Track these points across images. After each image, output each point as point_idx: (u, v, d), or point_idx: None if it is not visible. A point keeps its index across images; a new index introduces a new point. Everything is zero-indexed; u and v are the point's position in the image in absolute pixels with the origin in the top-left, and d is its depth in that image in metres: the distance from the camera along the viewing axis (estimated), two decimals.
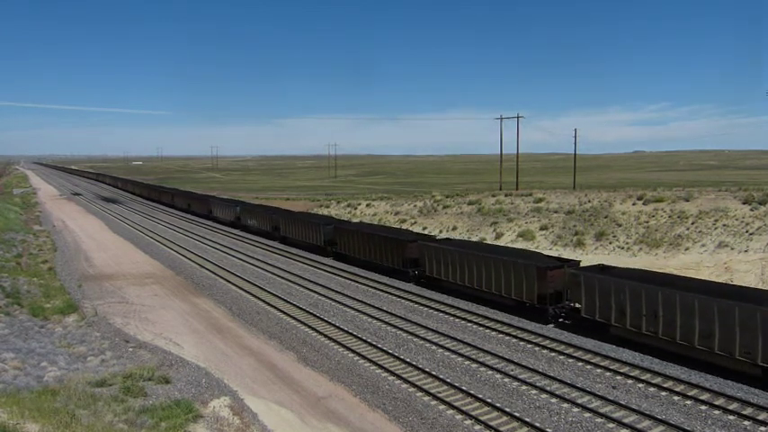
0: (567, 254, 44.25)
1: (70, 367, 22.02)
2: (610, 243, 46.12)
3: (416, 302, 33.30)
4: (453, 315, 30.71)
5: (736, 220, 42.24)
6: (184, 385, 21.05)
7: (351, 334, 27.52)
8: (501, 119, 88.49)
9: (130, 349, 25.53)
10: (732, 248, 39.66)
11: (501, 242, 51.06)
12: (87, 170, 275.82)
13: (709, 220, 43.51)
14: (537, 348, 25.24)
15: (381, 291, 36.41)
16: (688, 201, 47.95)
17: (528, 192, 66.35)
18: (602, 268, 28.04)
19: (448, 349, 25.19)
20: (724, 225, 42.24)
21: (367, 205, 74.33)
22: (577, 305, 27.30)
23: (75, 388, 18.71)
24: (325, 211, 73.51)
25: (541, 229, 51.92)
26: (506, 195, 64.04)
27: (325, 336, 27.40)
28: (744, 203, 44.25)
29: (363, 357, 24.42)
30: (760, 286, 33.55)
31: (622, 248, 44.86)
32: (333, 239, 47.58)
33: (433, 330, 27.93)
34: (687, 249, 41.72)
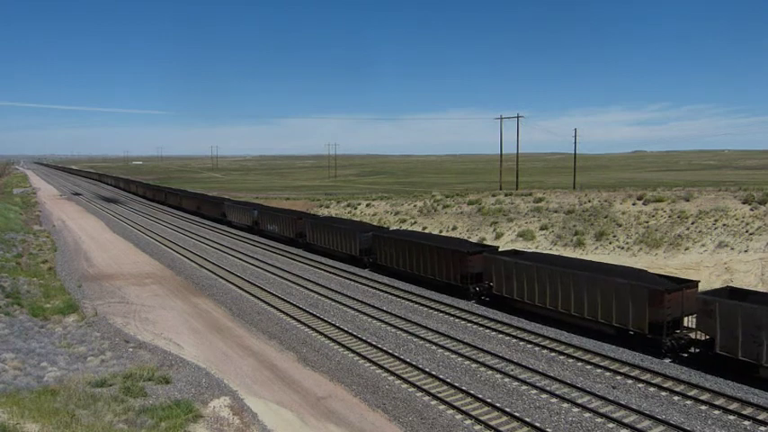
0: (567, 253, 44.27)
1: (70, 367, 22.03)
2: (610, 243, 46.14)
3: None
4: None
5: (736, 220, 42.24)
6: (184, 385, 21.05)
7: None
8: (501, 119, 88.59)
9: (130, 349, 25.53)
10: (732, 248, 39.66)
11: (501, 242, 51.06)
12: (88, 170, 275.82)
13: (710, 220, 43.51)
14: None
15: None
16: (688, 201, 47.96)
17: (528, 191, 66.36)
18: (734, 292, 23.55)
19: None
20: (724, 225, 42.24)
21: (367, 205, 74.35)
22: (706, 337, 22.86)
23: (76, 388, 18.73)
24: (325, 211, 73.49)
25: (541, 228, 51.94)
26: (506, 195, 64.04)
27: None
28: (744, 203, 44.26)
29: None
30: (760, 287, 33.58)
31: (622, 248, 44.87)
32: (370, 249, 42.61)
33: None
34: (687, 249, 41.73)
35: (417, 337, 27.19)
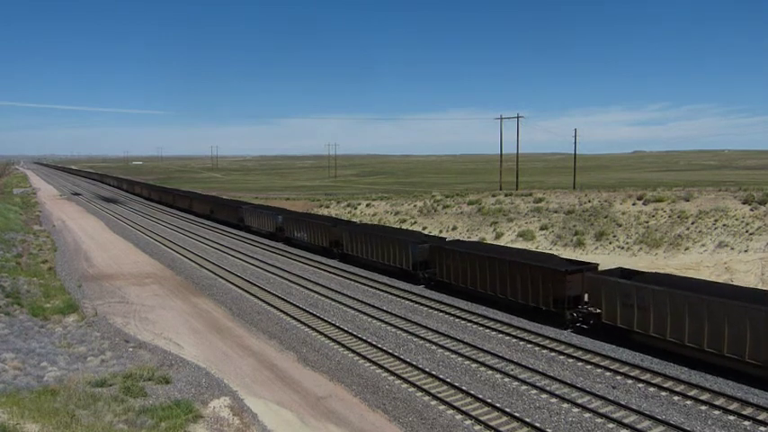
0: (567, 254, 44.26)
1: (70, 367, 22.03)
2: (610, 243, 46.16)
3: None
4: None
5: (736, 220, 42.27)
6: (184, 385, 21.05)
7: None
8: (501, 119, 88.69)
9: (130, 349, 25.54)
10: (732, 248, 39.70)
11: (501, 242, 51.08)
12: (88, 170, 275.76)
13: (710, 220, 43.54)
14: (537, 348, 24.71)
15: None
16: (688, 201, 47.99)
17: (528, 192, 66.43)
18: None
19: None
20: (724, 225, 42.27)
21: (367, 205, 74.40)
22: None
23: (75, 388, 18.73)
24: (325, 211, 73.55)
25: (541, 229, 51.97)
26: (506, 195, 64.09)
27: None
28: (744, 203, 44.30)
29: None
30: (760, 286, 33.59)
31: (622, 248, 44.90)
32: (426, 262, 37.12)
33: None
34: (687, 249, 41.75)
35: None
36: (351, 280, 39.35)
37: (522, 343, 25.77)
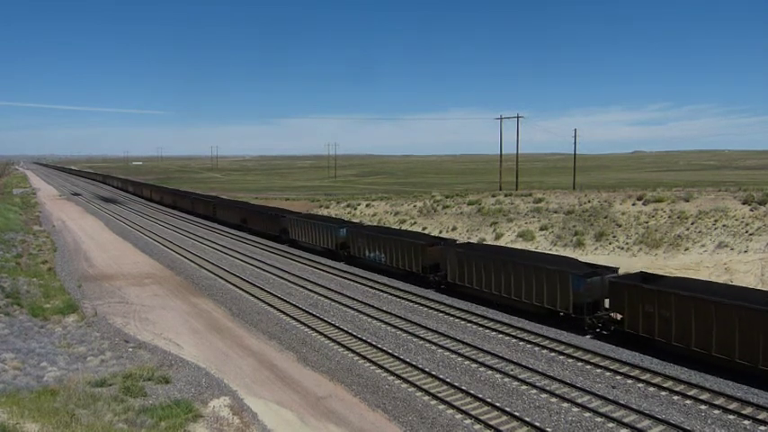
0: (567, 254, 44.26)
1: (70, 367, 22.04)
2: (609, 243, 46.16)
3: None
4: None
5: (736, 220, 42.27)
6: (184, 385, 21.06)
7: None
8: (501, 119, 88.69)
9: (130, 349, 25.54)
10: (732, 249, 39.69)
11: (500, 242, 51.08)
12: (89, 170, 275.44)
13: (709, 220, 43.54)
14: (537, 349, 24.78)
15: None
16: (688, 201, 47.98)
17: (528, 192, 66.42)
18: None
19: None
20: (724, 225, 42.27)
21: (367, 205, 74.39)
22: None
23: (75, 388, 18.74)
24: (324, 212, 73.53)
25: (541, 229, 51.97)
26: (506, 195, 64.08)
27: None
28: (743, 204, 44.29)
29: None
30: (759, 287, 33.60)
31: (622, 249, 44.90)
32: (598, 302, 26.73)
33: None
34: (687, 250, 41.75)
35: None
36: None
37: None
